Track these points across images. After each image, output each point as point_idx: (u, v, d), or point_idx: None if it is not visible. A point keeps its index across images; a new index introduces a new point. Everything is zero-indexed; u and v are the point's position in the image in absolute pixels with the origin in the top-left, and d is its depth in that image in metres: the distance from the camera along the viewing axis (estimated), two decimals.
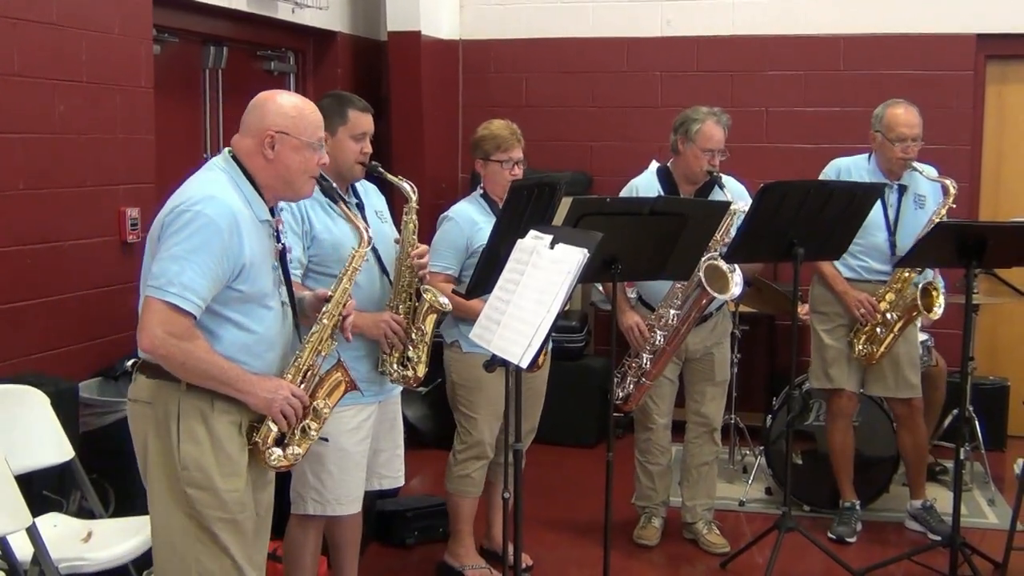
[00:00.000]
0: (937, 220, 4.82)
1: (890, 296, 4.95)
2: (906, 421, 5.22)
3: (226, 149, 3.12)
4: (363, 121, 3.78)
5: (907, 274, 4.92)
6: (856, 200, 4.50)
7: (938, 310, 4.83)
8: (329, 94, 3.94)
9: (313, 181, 3.18)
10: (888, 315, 4.95)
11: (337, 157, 3.73)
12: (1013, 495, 4.96)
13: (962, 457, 4.64)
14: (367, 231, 3.39)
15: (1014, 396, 6.37)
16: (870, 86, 6.72)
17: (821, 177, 5.09)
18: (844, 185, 4.69)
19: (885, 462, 5.42)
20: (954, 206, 4.94)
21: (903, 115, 4.92)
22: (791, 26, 6.85)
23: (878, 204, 4.90)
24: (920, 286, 4.85)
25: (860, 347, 5.03)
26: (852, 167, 5.06)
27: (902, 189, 5.00)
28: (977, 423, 5.81)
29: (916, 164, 4.93)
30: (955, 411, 5.60)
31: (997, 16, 6.55)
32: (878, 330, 4.98)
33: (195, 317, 2.89)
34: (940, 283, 5.02)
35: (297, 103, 3.12)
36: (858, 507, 5.26)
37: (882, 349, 5.00)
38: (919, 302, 4.83)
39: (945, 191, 4.93)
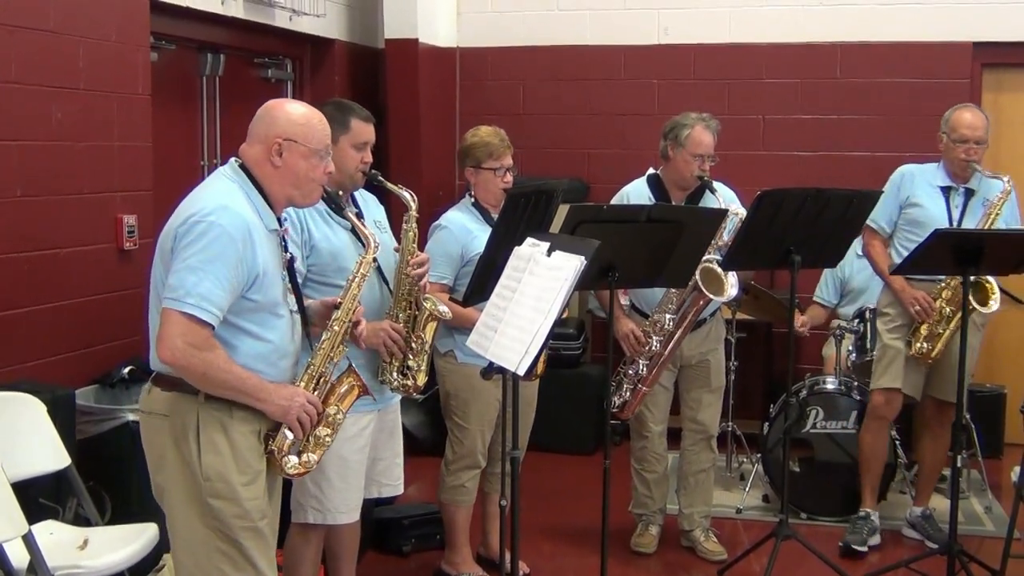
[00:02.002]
0: (993, 214, 4.86)
1: (946, 293, 4.92)
2: (934, 426, 5.21)
3: (233, 159, 3.13)
4: (365, 130, 3.79)
5: None
6: (853, 206, 4.50)
7: (993, 303, 4.76)
8: (331, 102, 3.94)
9: (320, 188, 3.21)
10: (946, 310, 4.92)
11: (338, 165, 3.73)
12: (1010, 502, 4.96)
13: (959, 465, 4.63)
14: (374, 237, 3.41)
15: (1011, 403, 6.37)
16: (866, 94, 6.75)
17: (888, 184, 5.07)
18: (841, 192, 4.69)
19: (883, 469, 5.41)
20: (1006, 199, 4.90)
21: (967, 117, 4.95)
22: (788, 34, 6.86)
23: (942, 204, 4.95)
24: (972, 280, 4.80)
25: (918, 345, 4.98)
26: (917, 172, 5.06)
27: (969, 192, 4.99)
28: (974, 430, 5.81)
29: (978, 166, 4.93)
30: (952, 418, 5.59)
31: (993, 24, 6.58)
32: (934, 327, 4.94)
33: (213, 327, 2.90)
34: None
35: (305, 111, 3.15)
36: (873, 517, 5.21)
37: (939, 346, 4.95)
38: (972, 297, 4.80)
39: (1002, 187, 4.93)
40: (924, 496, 5.32)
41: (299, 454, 3.11)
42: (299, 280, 3.59)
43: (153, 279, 3.03)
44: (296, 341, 3.17)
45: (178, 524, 3.04)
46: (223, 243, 2.89)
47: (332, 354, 3.18)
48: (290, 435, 3.08)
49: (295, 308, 3.17)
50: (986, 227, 4.85)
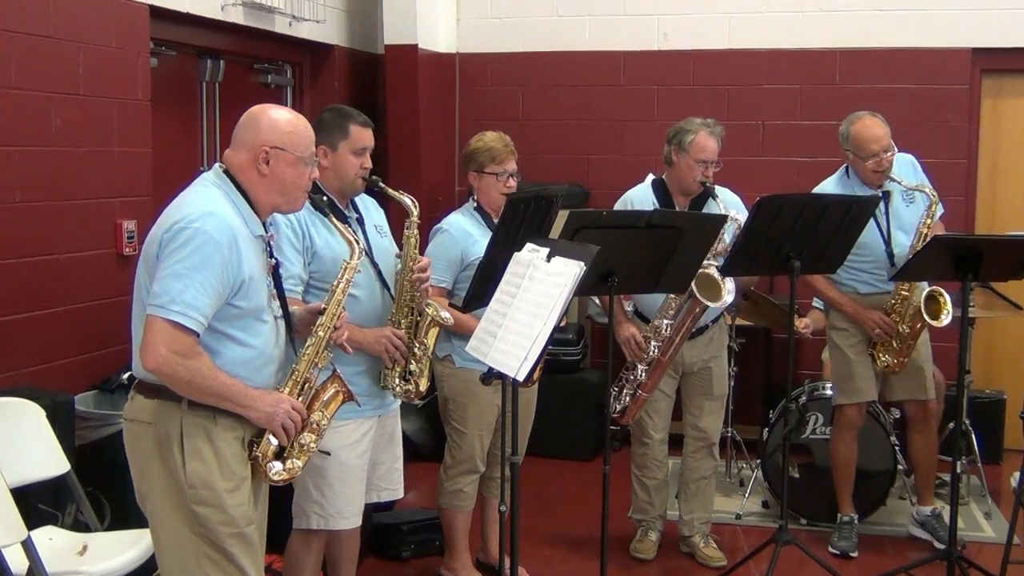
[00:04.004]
0: (925, 230, 4.85)
1: (899, 308, 4.95)
2: (919, 424, 5.23)
3: (217, 164, 3.13)
4: (364, 136, 3.79)
5: (907, 285, 4.92)
6: (852, 213, 4.50)
7: (945, 318, 4.78)
8: (330, 108, 3.94)
9: (305, 195, 3.19)
10: (900, 327, 4.95)
11: (339, 172, 3.75)
12: (1010, 508, 4.96)
13: (959, 470, 4.63)
14: (358, 243, 3.38)
15: (1010, 409, 6.37)
16: (865, 100, 6.70)
17: None
18: (840, 198, 4.70)
19: (882, 475, 5.41)
20: (936, 207, 4.90)
21: (868, 130, 4.89)
22: (787, 40, 6.86)
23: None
24: (925, 293, 4.82)
25: (883, 359, 5.02)
26: (832, 188, 5.04)
27: (887, 195, 4.96)
28: (974, 436, 5.81)
29: (894, 174, 4.89)
30: (952, 424, 5.60)
31: (992, 30, 6.58)
32: (894, 343, 4.99)
33: (198, 335, 2.89)
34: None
35: (291, 118, 3.13)
36: (856, 520, 5.26)
37: (903, 358, 5.00)
38: (923, 310, 4.80)
39: (927, 199, 4.91)
40: (927, 496, 5.33)
41: (284, 460, 3.10)
42: (298, 288, 3.60)
43: (137, 287, 3.02)
44: (281, 347, 3.15)
45: (164, 531, 3.03)
46: (208, 250, 2.88)
47: (316, 360, 3.16)
48: (274, 441, 3.07)
49: (279, 314, 3.16)
50: (919, 243, 4.82)
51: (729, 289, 4.58)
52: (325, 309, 3.20)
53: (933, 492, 5.36)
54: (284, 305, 3.20)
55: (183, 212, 2.94)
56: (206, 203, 2.97)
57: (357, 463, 3.78)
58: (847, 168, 5.06)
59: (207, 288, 2.87)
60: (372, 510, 4.65)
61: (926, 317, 4.80)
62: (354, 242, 3.37)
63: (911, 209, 4.97)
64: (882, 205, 4.95)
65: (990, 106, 6.81)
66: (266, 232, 3.13)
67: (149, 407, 2.99)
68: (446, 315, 3.82)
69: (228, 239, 2.92)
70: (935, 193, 4.93)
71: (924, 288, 4.87)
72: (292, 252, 3.61)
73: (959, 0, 6.59)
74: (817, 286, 5.10)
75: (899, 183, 4.91)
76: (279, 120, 3.10)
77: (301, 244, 3.64)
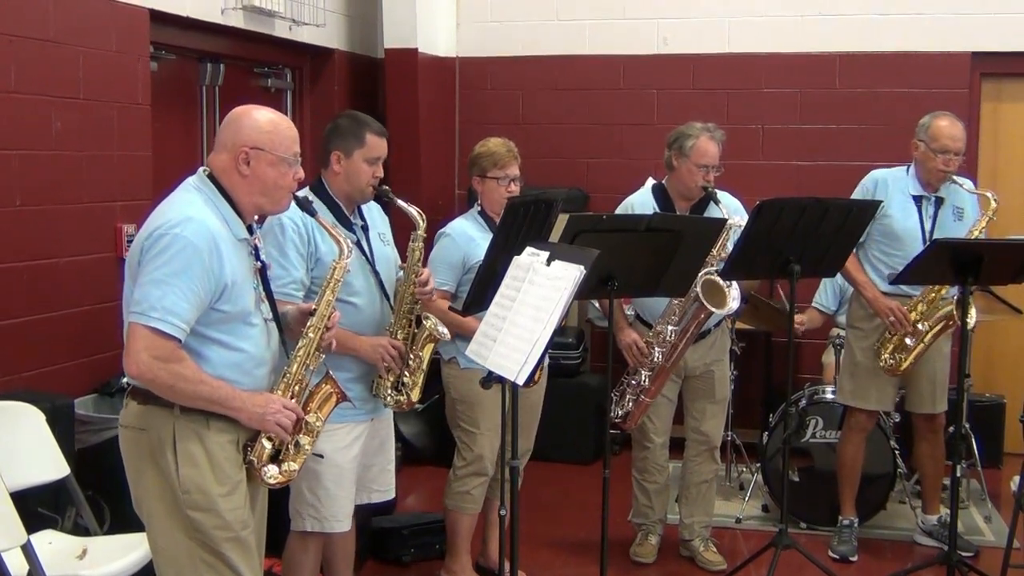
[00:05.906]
0: (977, 233, 4.84)
1: (921, 307, 4.93)
2: (928, 435, 5.24)
3: (201, 168, 3.11)
4: (379, 145, 3.80)
5: (938, 287, 4.91)
6: (852, 216, 4.51)
7: (970, 321, 4.71)
8: (346, 114, 3.93)
9: (290, 195, 3.16)
10: (919, 325, 4.94)
11: (350, 178, 3.74)
12: (1010, 512, 4.96)
13: (959, 474, 4.63)
14: (347, 242, 3.34)
15: (1010, 413, 6.36)
16: (865, 104, 6.76)
17: (858, 190, 5.09)
18: (840, 202, 4.70)
19: (882, 479, 5.41)
20: (994, 219, 4.91)
21: (948, 128, 4.91)
22: (786, 44, 6.87)
23: (915, 216, 4.94)
24: (956, 298, 4.78)
25: (886, 356, 5.00)
26: (890, 179, 5.04)
27: (939, 201, 4.98)
28: (973, 440, 5.80)
29: (956, 177, 4.92)
30: (952, 428, 5.60)
31: (992, 34, 6.58)
32: (908, 340, 4.96)
33: (180, 340, 2.88)
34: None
35: (272, 118, 3.11)
36: (856, 524, 5.25)
37: (910, 359, 4.96)
38: (955, 312, 4.78)
39: (985, 204, 4.92)
40: (933, 504, 5.32)
41: (279, 463, 3.08)
42: (299, 293, 3.58)
43: (125, 294, 3.00)
44: (273, 349, 3.13)
45: (160, 536, 3.02)
46: (188, 255, 2.87)
47: (308, 361, 3.15)
48: (268, 444, 3.05)
49: (270, 316, 3.14)
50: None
51: (734, 296, 4.58)
52: (315, 310, 3.19)
53: (939, 500, 5.34)
54: (274, 307, 3.17)
55: (163, 218, 2.94)
56: (185, 208, 2.96)
57: (350, 466, 3.79)
58: (909, 165, 5.06)
59: (187, 294, 2.86)
60: (371, 513, 4.65)
61: (958, 319, 4.76)
62: (343, 241, 3.33)
63: (957, 226, 4.95)
64: (930, 209, 4.98)
65: (990, 110, 6.82)
66: (251, 235, 3.11)
67: (141, 413, 2.98)
68: (443, 331, 3.82)
69: (208, 244, 2.90)
70: (996, 197, 4.92)
71: (952, 293, 4.84)
72: (296, 256, 3.60)
73: (958, 4, 6.61)
74: (847, 266, 5.02)
75: (961, 185, 4.93)
76: (259, 120, 3.08)
77: (306, 249, 3.63)
